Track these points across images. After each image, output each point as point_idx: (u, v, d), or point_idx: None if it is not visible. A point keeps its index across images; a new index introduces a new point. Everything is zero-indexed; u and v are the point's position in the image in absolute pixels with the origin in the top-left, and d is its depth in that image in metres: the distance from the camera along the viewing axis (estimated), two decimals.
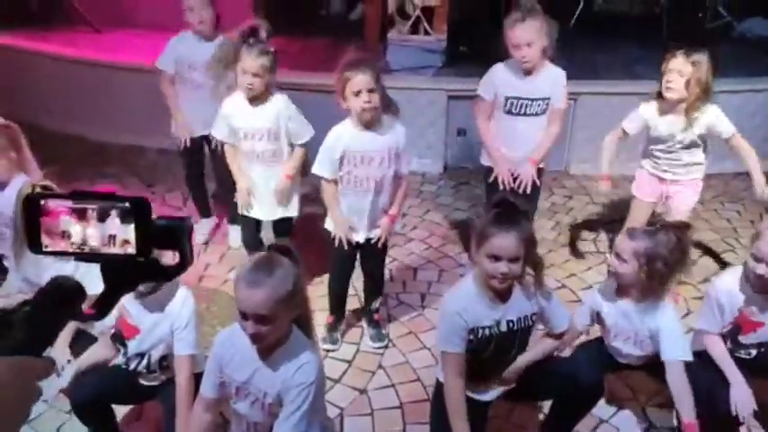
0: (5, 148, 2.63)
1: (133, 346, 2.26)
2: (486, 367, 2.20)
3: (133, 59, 5.02)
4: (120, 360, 2.33)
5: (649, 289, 2.29)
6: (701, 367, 2.30)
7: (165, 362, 2.30)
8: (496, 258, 1.99)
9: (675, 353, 2.23)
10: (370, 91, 2.58)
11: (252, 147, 3.01)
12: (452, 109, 4.67)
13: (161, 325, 2.24)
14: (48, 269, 2.57)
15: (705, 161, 3.15)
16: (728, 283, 2.37)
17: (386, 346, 3.03)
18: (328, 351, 2.96)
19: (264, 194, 3.09)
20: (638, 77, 4.79)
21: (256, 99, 2.95)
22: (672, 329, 2.28)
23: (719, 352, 2.36)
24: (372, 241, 2.86)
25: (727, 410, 2.23)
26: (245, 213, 3.16)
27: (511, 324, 2.13)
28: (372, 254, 2.94)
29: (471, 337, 2.11)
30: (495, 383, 2.26)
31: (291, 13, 6.03)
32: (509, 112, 3.11)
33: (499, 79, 3.10)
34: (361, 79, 2.58)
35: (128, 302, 2.23)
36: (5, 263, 2.82)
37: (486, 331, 2.11)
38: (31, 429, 2.52)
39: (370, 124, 2.67)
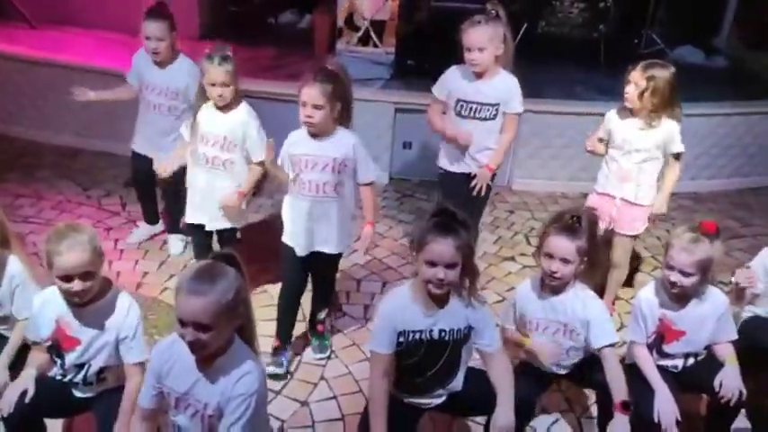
0: None
1: (72, 357, 2.17)
2: (415, 373, 2.20)
3: (73, 58, 4.87)
4: (55, 371, 2.24)
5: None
6: (632, 379, 2.37)
7: (103, 374, 2.22)
8: (433, 264, 2.03)
9: (607, 339, 2.31)
10: (315, 107, 2.59)
11: (204, 151, 2.98)
12: (399, 121, 4.71)
13: (104, 335, 2.16)
14: None
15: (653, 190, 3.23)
16: (648, 293, 2.52)
17: (328, 357, 3.02)
18: (275, 376, 2.85)
19: (210, 202, 3.04)
20: (577, 98, 4.97)
21: (225, 107, 2.95)
22: (600, 318, 2.36)
23: (645, 362, 2.47)
24: (346, 253, 2.96)
25: (651, 418, 2.32)
26: (191, 221, 3.11)
27: (443, 333, 2.15)
28: (327, 263, 2.92)
29: (401, 339, 2.12)
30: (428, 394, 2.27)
31: (239, 21, 5.99)
32: (459, 115, 3.17)
33: (451, 81, 3.17)
34: (306, 93, 2.59)
35: (66, 314, 2.14)
36: None
37: (417, 335, 2.13)
38: None
39: (315, 135, 2.68)
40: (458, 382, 2.25)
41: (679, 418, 2.32)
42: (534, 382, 2.47)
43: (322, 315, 3.07)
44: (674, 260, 2.37)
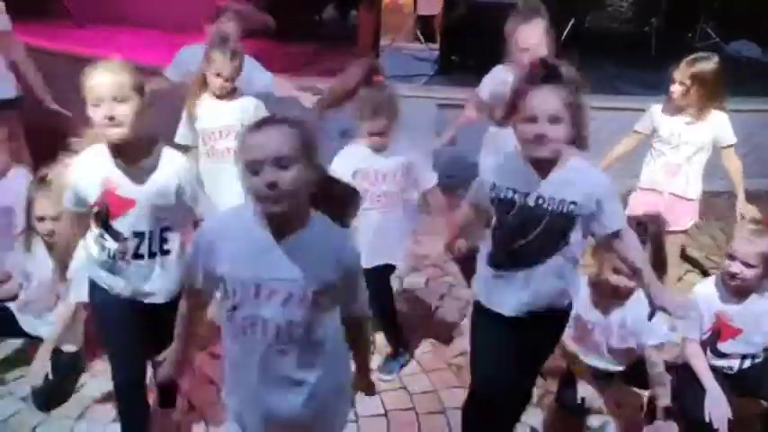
0: (3, 140, 2.57)
1: (126, 224, 1.94)
2: (500, 243, 1.97)
3: (118, 54, 4.97)
4: (101, 256, 1.99)
5: None
6: (684, 378, 2.33)
7: (167, 244, 2.01)
8: (531, 120, 1.79)
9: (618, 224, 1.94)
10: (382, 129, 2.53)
11: (213, 145, 2.89)
12: (442, 118, 4.67)
13: (161, 192, 1.94)
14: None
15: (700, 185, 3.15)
16: (706, 287, 2.46)
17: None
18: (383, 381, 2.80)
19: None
20: (623, 93, 4.85)
21: (228, 95, 2.87)
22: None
23: (697, 359, 2.39)
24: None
25: (702, 419, 2.25)
26: None
27: (541, 200, 1.87)
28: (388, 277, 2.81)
29: (493, 194, 1.94)
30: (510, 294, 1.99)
31: (284, 17, 6.03)
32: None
33: (497, 80, 2.95)
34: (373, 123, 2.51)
35: (113, 173, 1.91)
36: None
37: (510, 194, 1.91)
38: (8, 428, 2.46)
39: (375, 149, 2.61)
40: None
41: (731, 418, 2.24)
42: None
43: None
44: (736, 250, 2.31)
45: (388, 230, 2.65)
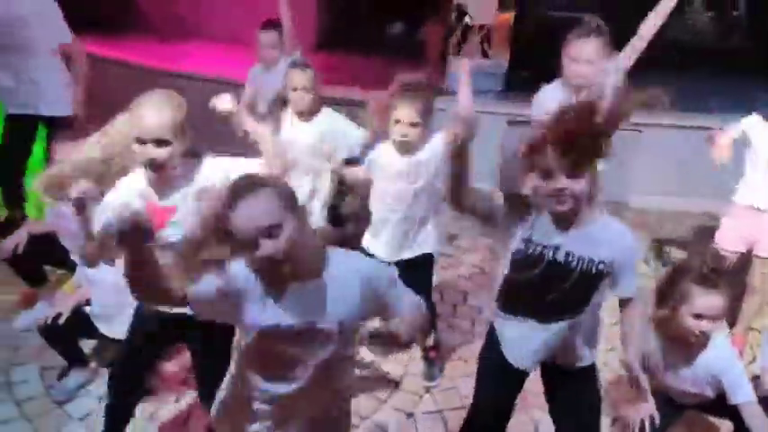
0: None
1: (170, 232, 1.98)
2: (523, 295, 1.93)
3: (198, 68, 5.14)
4: None
5: None
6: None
7: None
8: (545, 177, 1.75)
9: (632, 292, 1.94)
10: (412, 125, 2.54)
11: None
12: (510, 134, 4.62)
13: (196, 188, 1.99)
14: None
15: None
16: None
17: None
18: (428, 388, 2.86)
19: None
20: (702, 111, 4.67)
21: (308, 113, 3.02)
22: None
23: None
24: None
25: None
26: None
27: (569, 257, 1.84)
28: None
29: (523, 246, 1.88)
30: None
31: (354, 32, 6.11)
32: None
33: (549, 101, 2.95)
34: (402, 111, 2.53)
35: (148, 189, 2.00)
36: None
37: (539, 249, 1.85)
38: (84, 427, 2.56)
39: (402, 151, 2.62)
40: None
41: None
42: (666, 410, 2.28)
43: (430, 340, 2.93)
44: None
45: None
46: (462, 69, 2.68)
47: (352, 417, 1.99)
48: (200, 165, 2.04)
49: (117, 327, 2.67)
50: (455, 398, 2.82)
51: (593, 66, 2.79)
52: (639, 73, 2.99)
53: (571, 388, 2.04)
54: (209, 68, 5.18)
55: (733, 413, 2.19)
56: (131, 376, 2.29)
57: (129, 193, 1.99)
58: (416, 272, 2.59)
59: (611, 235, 1.84)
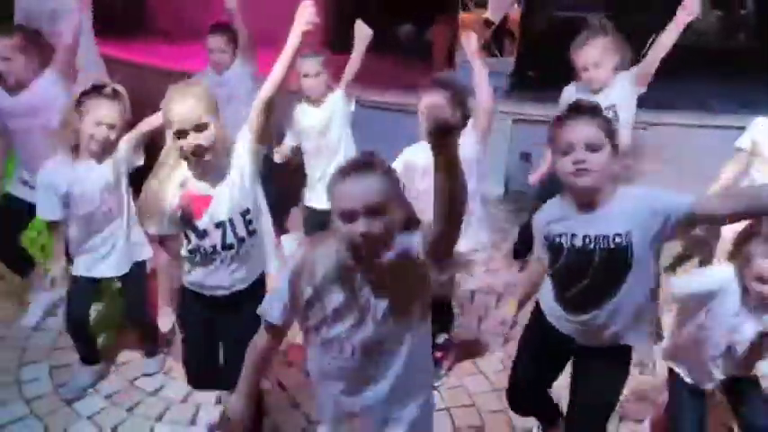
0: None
1: (207, 220, 2.03)
2: (558, 287, 1.96)
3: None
4: (187, 250, 2.09)
5: None
6: None
7: (252, 225, 2.10)
8: (566, 152, 1.77)
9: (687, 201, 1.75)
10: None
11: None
12: (516, 132, 4.63)
13: (229, 177, 2.05)
14: None
15: None
16: None
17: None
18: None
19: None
20: (710, 110, 4.66)
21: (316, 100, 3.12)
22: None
23: None
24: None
25: None
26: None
27: (587, 240, 1.82)
28: None
29: (546, 242, 1.92)
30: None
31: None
32: None
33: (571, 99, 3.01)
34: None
35: (187, 177, 2.04)
36: None
37: (557, 240, 1.88)
38: (91, 426, 2.58)
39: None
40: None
41: None
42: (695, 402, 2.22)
43: (441, 339, 2.93)
44: None
45: None
46: (469, 42, 2.80)
47: None
48: (231, 149, 2.07)
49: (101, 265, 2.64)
50: (463, 395, 2.83)
51: (601, 67, 2.87)
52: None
53: (596, 365, 2.00)
54: None
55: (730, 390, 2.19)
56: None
57: (172, 180, 2.04)
58: None
59: (625, 204, 1.79)
